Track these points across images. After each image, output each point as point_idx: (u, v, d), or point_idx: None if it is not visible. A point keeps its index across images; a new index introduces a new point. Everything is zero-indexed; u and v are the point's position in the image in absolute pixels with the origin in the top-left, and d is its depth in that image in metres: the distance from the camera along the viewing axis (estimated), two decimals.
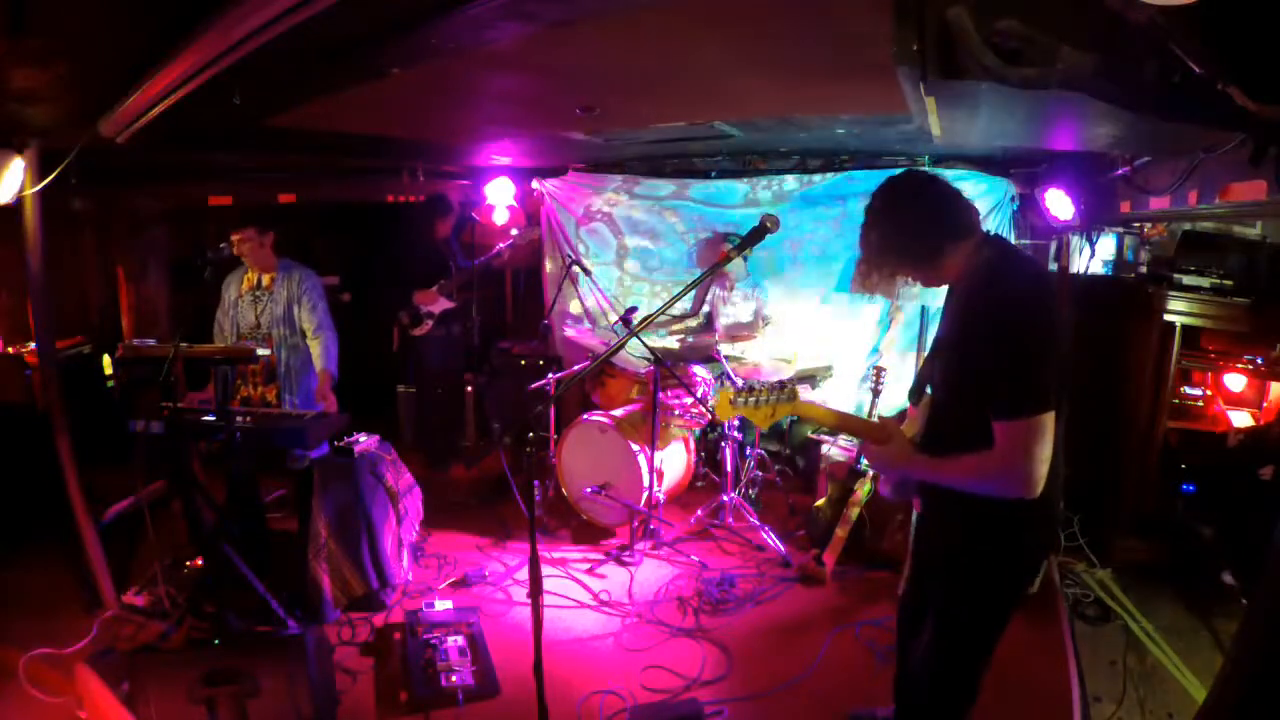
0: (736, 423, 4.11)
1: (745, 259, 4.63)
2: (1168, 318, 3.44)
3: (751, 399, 1.87)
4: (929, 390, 1.86)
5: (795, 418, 4.88)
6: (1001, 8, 1.40)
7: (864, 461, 3.64)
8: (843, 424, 1.93)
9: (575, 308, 5.38)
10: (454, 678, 2.58)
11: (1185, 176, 2.66)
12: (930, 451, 1.74)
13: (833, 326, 4.77)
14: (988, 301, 1.59)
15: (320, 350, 3.56)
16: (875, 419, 1.94)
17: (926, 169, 4.17)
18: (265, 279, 3.55)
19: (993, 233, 1.74)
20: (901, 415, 2.03)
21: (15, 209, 2.84)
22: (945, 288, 1.80)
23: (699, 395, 4.08)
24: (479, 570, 3.54)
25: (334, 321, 3.65)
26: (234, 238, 3.41)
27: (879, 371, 3.69)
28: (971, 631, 1.79)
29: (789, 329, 4.75)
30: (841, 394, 4.86)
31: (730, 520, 4.06)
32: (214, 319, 3.66)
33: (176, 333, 2.82)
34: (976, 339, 1.59)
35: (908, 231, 1.69)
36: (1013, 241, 4.11)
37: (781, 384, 1.88)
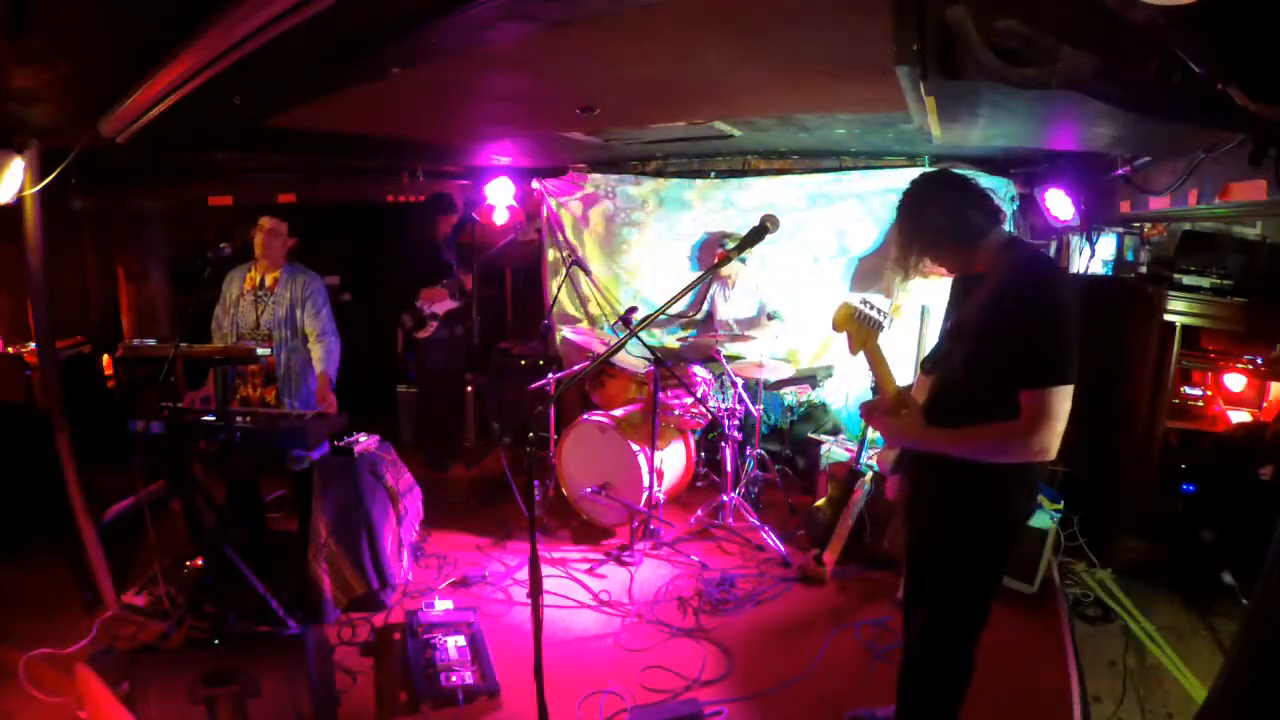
0: (738, 422, 4.11)
1: (743, 261, 4.63)
2: (1168, 318, 3.44)
3: (863, 319, 1.98)
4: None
5: (801, 414, 4.90)
6: (1001, 8, 1.40)
7: (864, 461, 3.65)
8: (885, 379, 2.00)
9: (575, 308, 5.38)
10: (454, 678, 2.58)
11: (1185, 176, 2.66)
12: (935, 424, 1.85)
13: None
14: (1026, 284, 1.73)
15: (322, 353, 3.53)
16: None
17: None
18: (269, 279, 3.53)
19: (1023, 240, 1.86)
20: (909, 387, 2.11)
21: (15, 209, 2.84)
22: (941, 288, 1.90)
23: (699, 395, 4.08)
24: (479, 570, 3.54)
25: (337, 326, 3.63)
26: (265, 223, 3.39)
27: None
28: (963, 597, 1.90)
29: (790, 329, 4.75)
30: (842, 393, 4.86)
31: (730, 520, 4.06)
32: (213, 317, 3.65)
33: (176, 333, 2.82)
34: (1013, 316, 1.71)
35: (953, 215, 1.83)
36: None
37: (881, 313, 1.98)
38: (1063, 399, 1.66)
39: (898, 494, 2.12)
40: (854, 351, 2.01)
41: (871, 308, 1.98)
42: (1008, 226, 4.19)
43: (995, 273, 1.81)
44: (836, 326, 2.02)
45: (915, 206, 1.89)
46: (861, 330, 1.98)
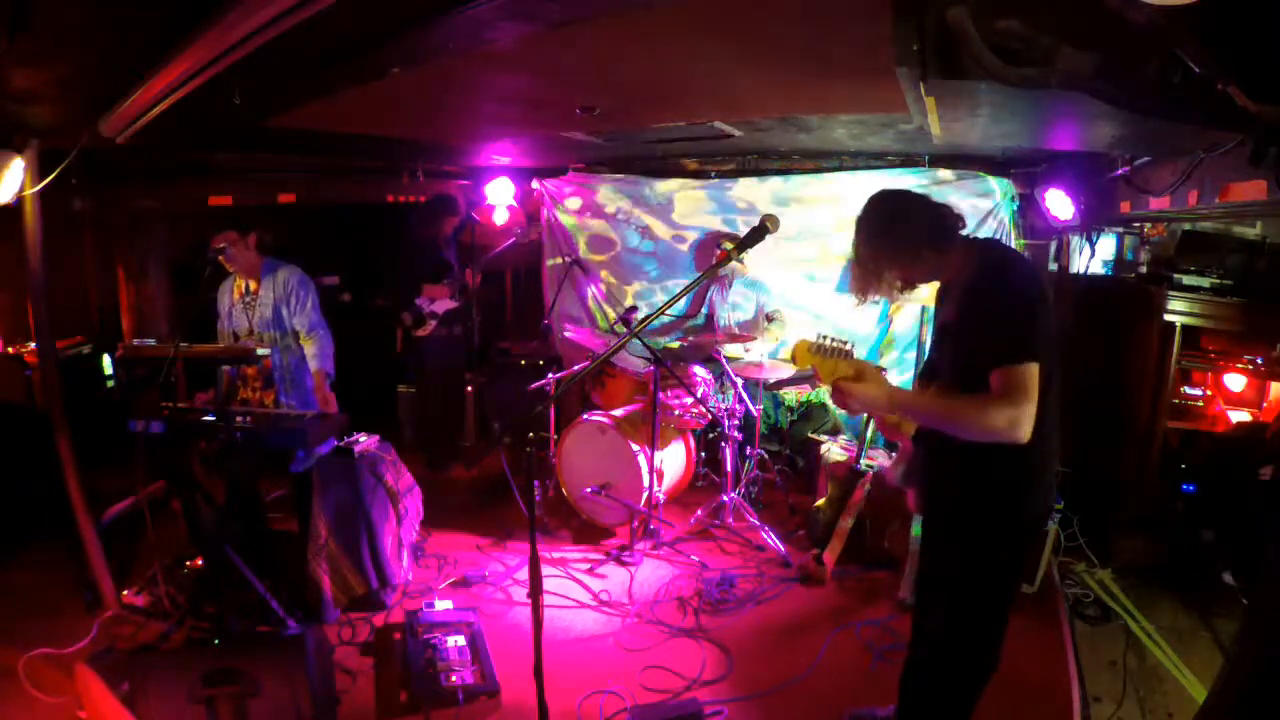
0: (738, 422, 4.11)
1: (740, 262, 4.63)
2: (1168, 318, 3.44)
3: (823, 351, 1.97)
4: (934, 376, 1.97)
5: (801, 414, 4.90)
6: (1001, 8, 1.40)
7: (864, 461, 3.64)
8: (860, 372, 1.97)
9: (575, 308, 5.38)
10: (454, 677, 2.58)
11: (1185, 176, 2.66)
12: (937, 438, 1.83)
13: (832, 327, 4.77)
14: (988, 277, 1.79)
15: (315, 349, 3.50)
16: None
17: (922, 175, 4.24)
18: (252, 284, 3.51)
19: (983, 237, 1.86)
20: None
21: (15, 209, 2.84)
22: (932, 288, 1.94)
23: (699, 395, 4.08)
24: (479, 570, 3.54)
25: (326, 320, 3.61)
26: (216, 243, 3.35)
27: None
28: (983, 599, 1.89)
29: (789, 330, 4.75)
30: None
31: (730, 520, 4.06)
32: (214, 321, 3.65)
33: (176, 333, 2.81)
34: (978, 308, 1.76)
35: (926, 223, 1.89)
36: (1014, 242, 4.16)
37: (843, 342, 1.98)
38: (1030, 376, 1.64)
39: (917, 507, 2.09)
40: (825, 383, 1.97)
41: (829, 339, 1.97)
42: (999, 226, 4.23)
43: (962, 272, 1.85)
44: (797, 364, 2.01)
45: (887, 222, 1.91)
46: (826, 362, 1.95)
